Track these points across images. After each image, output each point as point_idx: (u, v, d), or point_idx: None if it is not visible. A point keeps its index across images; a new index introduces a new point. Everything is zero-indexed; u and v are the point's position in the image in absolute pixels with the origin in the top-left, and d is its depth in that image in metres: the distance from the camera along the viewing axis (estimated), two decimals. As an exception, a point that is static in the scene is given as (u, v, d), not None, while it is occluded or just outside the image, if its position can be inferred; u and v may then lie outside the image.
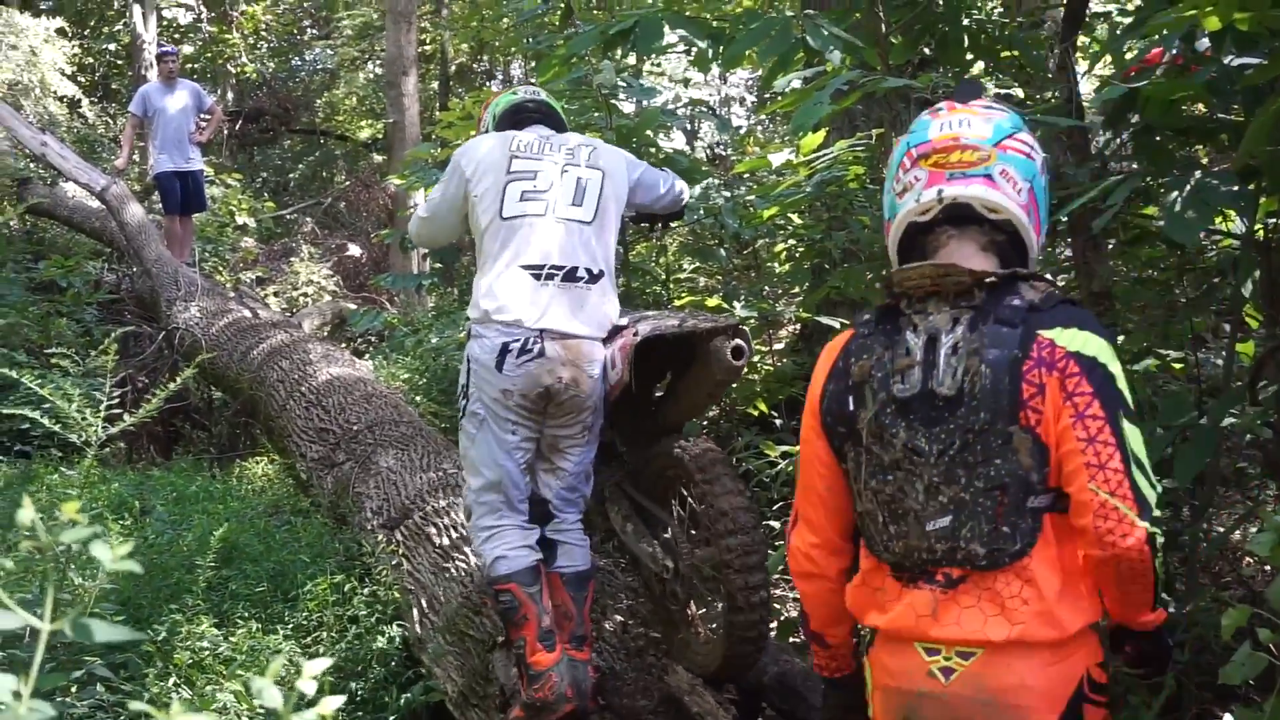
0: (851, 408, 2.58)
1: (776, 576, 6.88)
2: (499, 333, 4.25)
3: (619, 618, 5.20)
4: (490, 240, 4.41)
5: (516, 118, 4.74)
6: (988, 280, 2.50)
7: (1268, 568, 4.63)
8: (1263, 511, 2.44)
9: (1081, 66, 6.00)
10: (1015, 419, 2.41)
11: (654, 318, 4.40)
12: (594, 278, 4.40)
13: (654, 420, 4.70)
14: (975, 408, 2.43)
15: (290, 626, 5.22)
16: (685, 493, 4.52)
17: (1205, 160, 4.66)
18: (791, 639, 5.50)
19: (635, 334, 4.26)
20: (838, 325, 6.12)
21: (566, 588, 4.47)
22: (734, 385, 5.31)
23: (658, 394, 4.79)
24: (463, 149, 4.65)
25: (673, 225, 5.58)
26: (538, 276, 4.30)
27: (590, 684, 4.35)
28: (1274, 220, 3.98)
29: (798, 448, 5.31)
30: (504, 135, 4.60)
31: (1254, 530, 3.99)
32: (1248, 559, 4.85)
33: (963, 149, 2.55)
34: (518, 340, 4.23)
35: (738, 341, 4.17)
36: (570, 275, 4.34)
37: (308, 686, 1.69)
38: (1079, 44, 4.96)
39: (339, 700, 1.67)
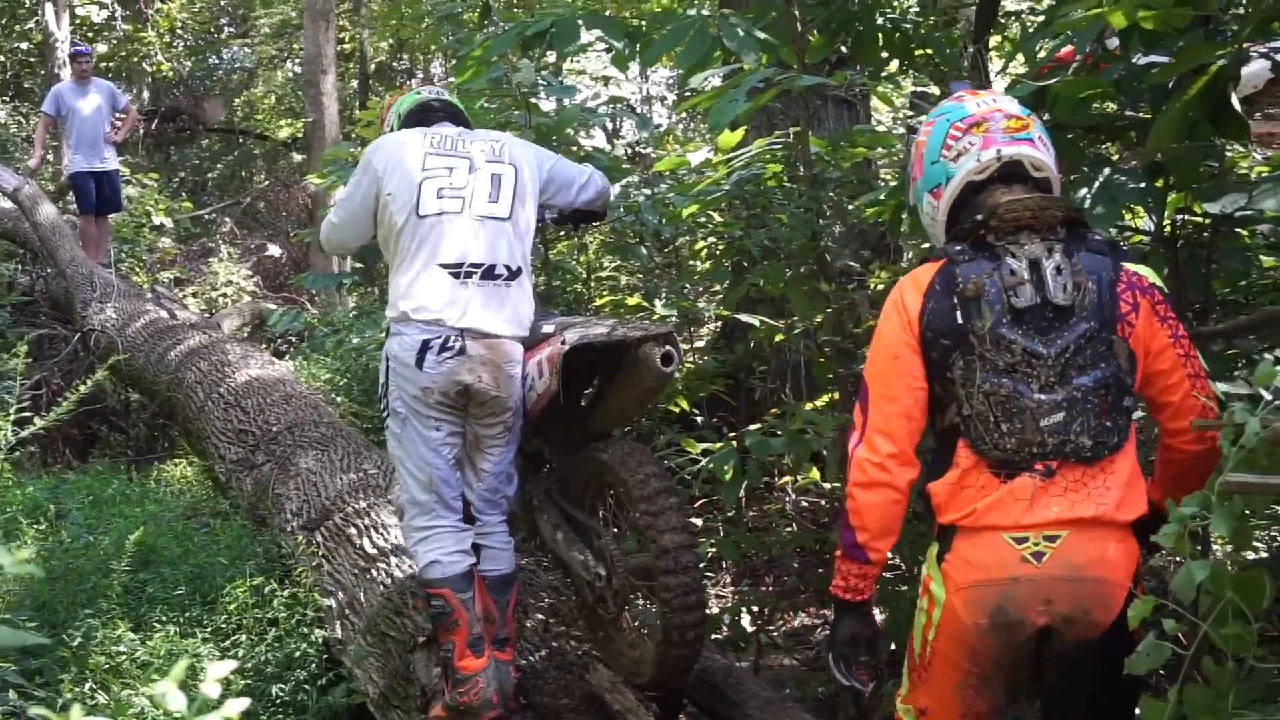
0: (960, 320, 2.87)
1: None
2: (419, 330, 4.22)
3: (540, 616, 5.19)
4: (406, 239, 4.35)
5: (422, 116, 4.69)
6: (1072, 217, 2.92)
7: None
8: (1168, 503, 2.49)
9: (996, 65, 6.09)
10: (1114, 329, 2.83)
11: (581, 325, 4.38)
12: (512, 275, 4.38)
13: (582, 427, 4.68)
14: (1085, 316, 2.82)
15: (209, 630, 5.18)
16: (616, 502, 4.53)
17: (1116, 157, 4.73)
18: (713, 636, 5.53)
19: (563, 343, 4.23)
20: (757, 323, 6.15)
21: (489, 591, 4.46)
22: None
23: (585, 401, 4.77)
24: (374, 146, 4.58)
25: (594, 224, 5.58)
26: (457, 275, 4.26)
27: (512, 685, 4.37)
28: (1181, 216, 4.05)
29: (719, 445, 5.36)
30: (416, 132, 4.55)
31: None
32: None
33: (1008, 116, 2.98)
34: (438, 338, 4.20)
35: (668, 348, 4.17)
36: (489, 273, 4.32)
37: (212, 689, 1.68)
38: (992, 43, 5.03)
39: (244, 703, 1.67)
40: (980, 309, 2.85)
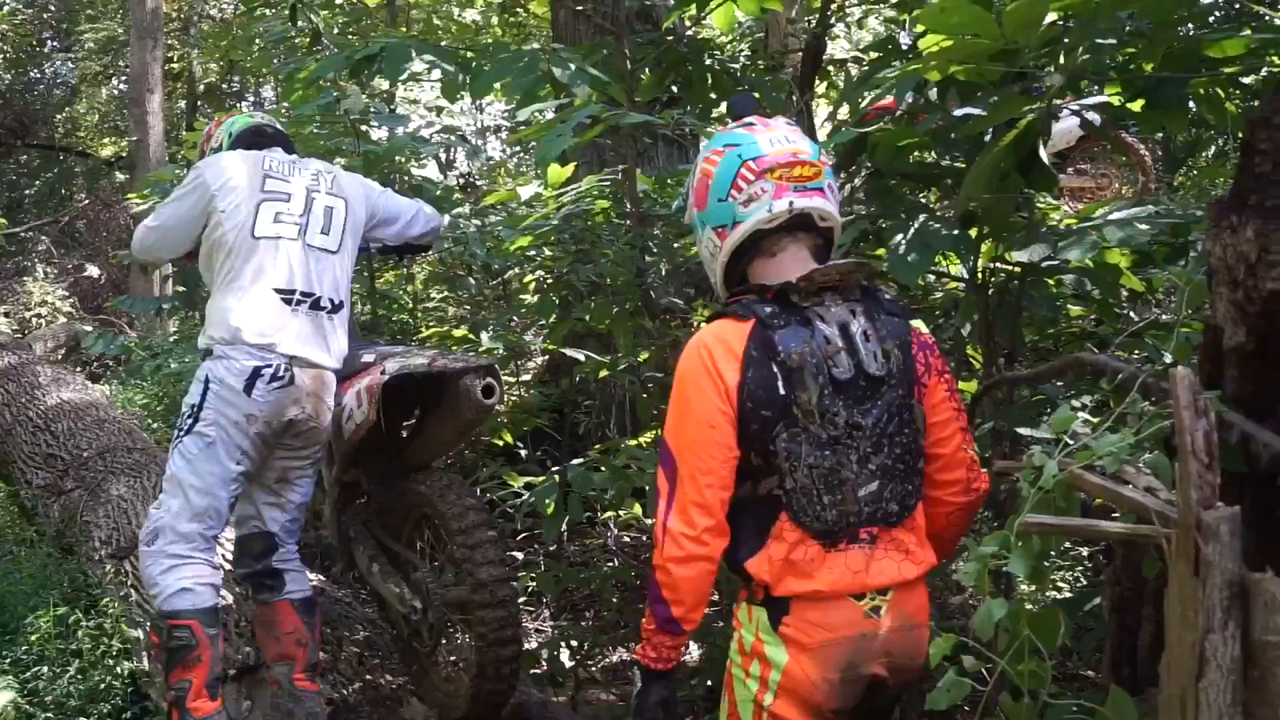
0: (783, 392, 2.79)
1: (519, 607, 6.91)
2: (250, 355, 4.14)
3: (355, 649, 5.13)
4: (236, 258, 4.26)
5: (255, 139, 4.63)
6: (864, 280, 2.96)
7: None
8: (969, 543, 2.57)
9: (821, 111, 6.23)
10: (913, 393, 2.89)
11: (401, 355, 4.35)
12: (335, 308, 4.37)
13: (401, 458, 4.64)
14: (894, 385, 2.85)
15: (8, 661, 5.02)
16: (434, 534, 4.50)
17: (935, 205, 4.87)
18: (532, 670, 5.51)
19: (383, 372, 4.21)
20: (582, 358, 6.17)
21: (298, 612, 4.42)
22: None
23: (405, 432, 4.74)
24: (207, 163, 4.48)
25: (421, 255, 5.56)
26: (288, 301, 4.23)
27: (324, 715, 4.29)
28: (993, 264, 4.18)
29: (541, 479, 5.35)
30: (253, 154, 4.47)
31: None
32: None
33: (802, 165, 2.91)
34: (270, 366, 4.15)
35: (488, 380, 4.18)
36: (316, 303, 4.30)
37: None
38: (819, 89, 5.14)
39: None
40: (804, 380, 2.79)
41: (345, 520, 4.76)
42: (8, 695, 1.56)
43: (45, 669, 4.99)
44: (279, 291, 4.23)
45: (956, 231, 3.69)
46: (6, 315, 13.19)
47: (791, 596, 2.82)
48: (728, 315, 2.90)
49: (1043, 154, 3.61)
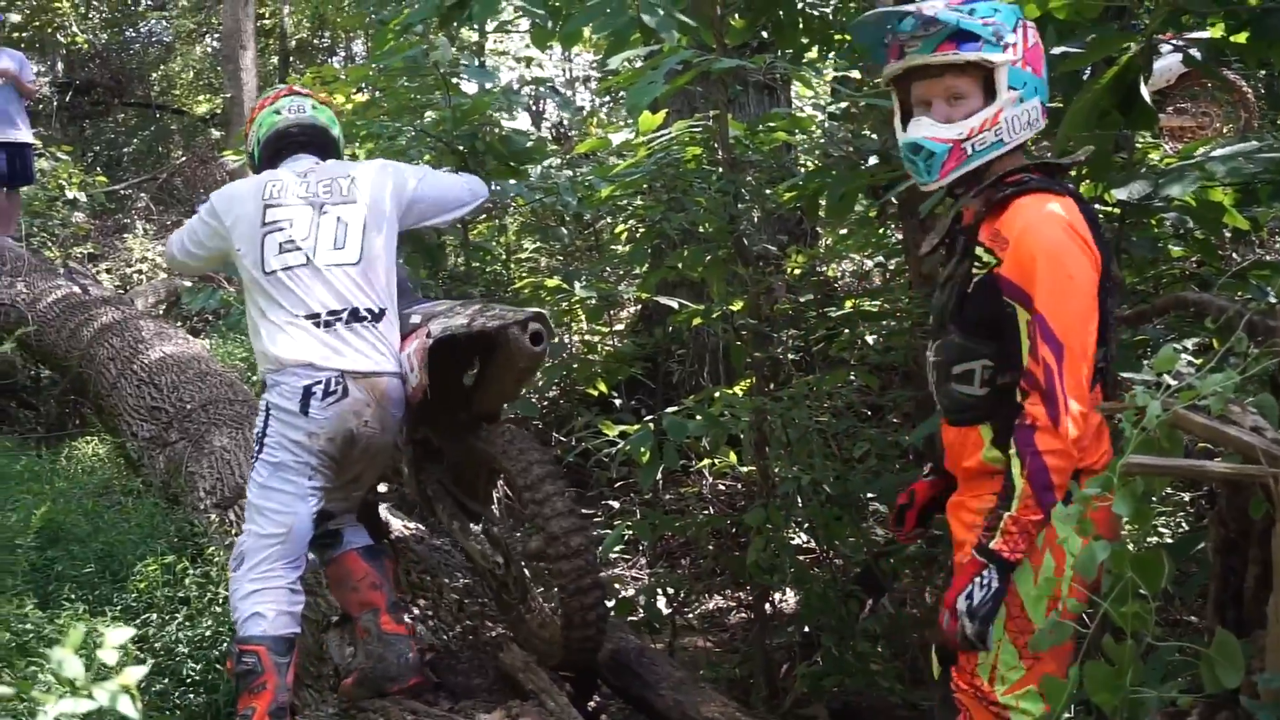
0: (1106, 263, 2.86)
1: (615, 555, 6.95)
2: (299, 376, 4.14)
3: (455, 596, 5.19)
4: (260, 295, 4.29)
5: (279, 148, 4.57)
6: None
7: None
8: (1071, 484, 2.54)
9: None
10: None
11: (444, 314, 4.34)
12: (377, 316, 4.31)
13: (468, 410, 4.67)
14: None
15: (119, 608, 5.14)
16: (508, 487, 4.54)
17: (1031, 144, 4.80)
18: (628, 617, 5.55)
19: (428, 335, 4.22)
20: (676, 306, 6.17)
21: (364, 559, 4.47)
22: (542, 368, 5.26)
23: (470, 381, 4.76)
24: (220, 194, 4.51)
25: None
26: (320, 324, 4.20)
27: (415, 659, 4.31)
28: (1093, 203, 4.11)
29: (636, 427, 5.37)
30: (258, 182, 4.43)
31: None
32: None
33: None
34: (319, 382, 4.13)
35: (535, 327, 4.16)
36: (354, 316, 4.25)
37: (109, 656, 1.67)
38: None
39: (141, 670, 1.65)
40: (1110, 254, 2.90)
41: (423, 479, 4.79)
42: (128, 631, 1.58)
43: (154, 615, 5.11)
44: (309, 318, 4.20)
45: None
46: (109, 271, 13.39)
47: (1084, 469, 2.83)
48: (1044, 190, 2.88)
49: (1143, 92, 3.53)
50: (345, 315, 4.23)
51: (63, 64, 20.30)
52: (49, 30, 19.50)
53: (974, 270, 2.93)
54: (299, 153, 4.55)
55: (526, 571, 4.55)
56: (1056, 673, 2.67)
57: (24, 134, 11.47)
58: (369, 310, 4.29)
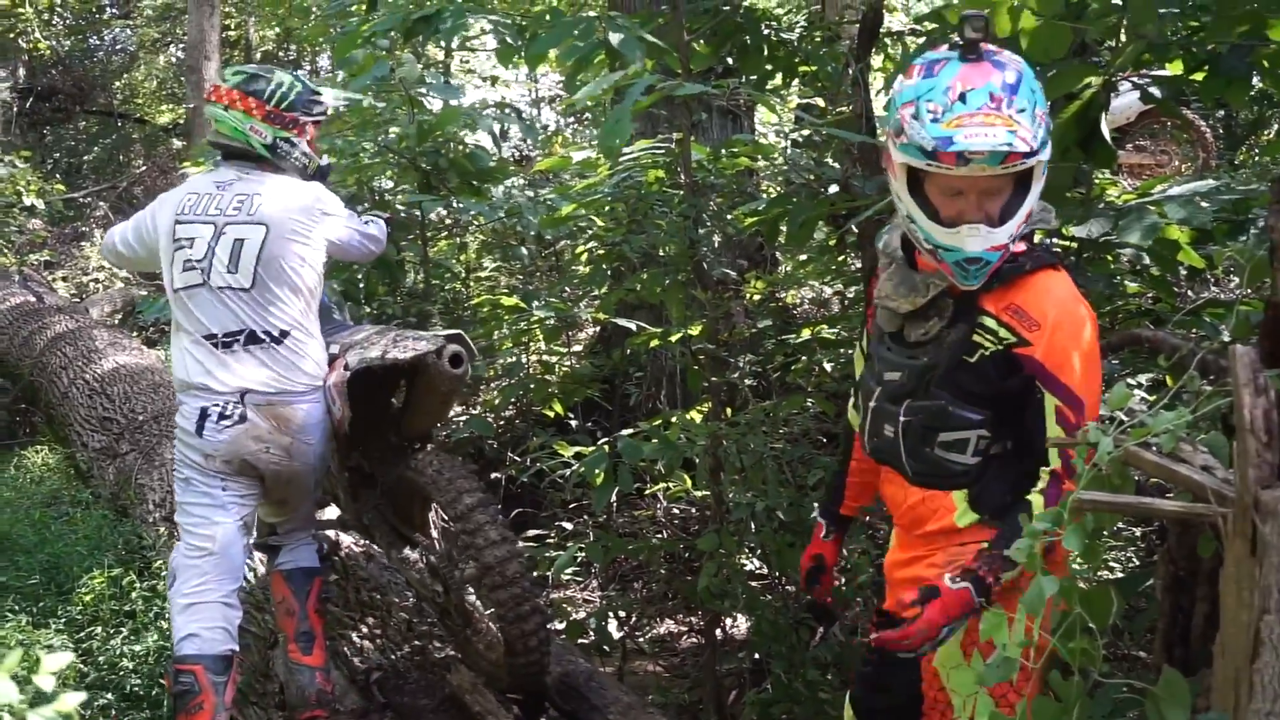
0: None
1: (567, 577, 6.93)
2: (196, 398, 4.08)
3: (404, 615, 5.16)
4: (173, 308, 4.24)
5: (223, 152, 4.41)
6: None
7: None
8: (1021, 518, 2.54)
9: (877, 83, 6.17)
10: None
11: (361, 344, 4.26)
12: (278, 338, 4.16)
13: (398, 434, 4.64)
14: None
15: (63, 621, 5.09)
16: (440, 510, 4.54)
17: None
18: (579, 640, 5.53)
19: (346, 367, 4.18)
20: (634, 328, 6.16)
21: (286, 582, 4.40)
22: (500, 388, 5.23)
23: (399, 402, 4.73)
24: (161, 198, 4.41)
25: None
26: (217, 345, 4.10)
27: (317, 691, 4.26)
28: (1050, 240, 4.13)
29: (591, 449, 5.35)
30: (181, 192, 4.32)
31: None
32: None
33: None
34: (215, 405, 4.05)
35: (453, 349, 4.13)
36: (251, 338, 4.12)
37: (45, 682, 1.63)
38: (875, 62, 5.09)
39: (79, 697, 1.63)
40: None
41: (359, 506, 4.75)
42: (67, 656, 1.55)
43: (99, 629, 5.06)
44: (208, 339, 4.11)
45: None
46: (65, 280, 13.30)
47: None
48: (1055, 265, 2.89)
49: (1104, 128, 3.56)
50: (243, 338, 4.10)
51: (24, 70, 20.16)
52: (11, 35, 19.36)
53: (977, 340, 2.86)
54: (235, 159, 4.36)
55: (469, 597, 4.53)
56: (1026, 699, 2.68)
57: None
58: (267, 333, 4.13)
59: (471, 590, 4.50)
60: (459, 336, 4.19)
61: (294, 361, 4.17)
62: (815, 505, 5.03)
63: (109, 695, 4.71)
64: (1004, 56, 2.74)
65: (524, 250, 8.10)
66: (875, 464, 3.26)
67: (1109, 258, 4.29)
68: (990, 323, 2.83)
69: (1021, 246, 2.85)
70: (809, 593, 3.61)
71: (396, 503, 4.70)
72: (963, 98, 2.65)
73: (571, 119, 14.47)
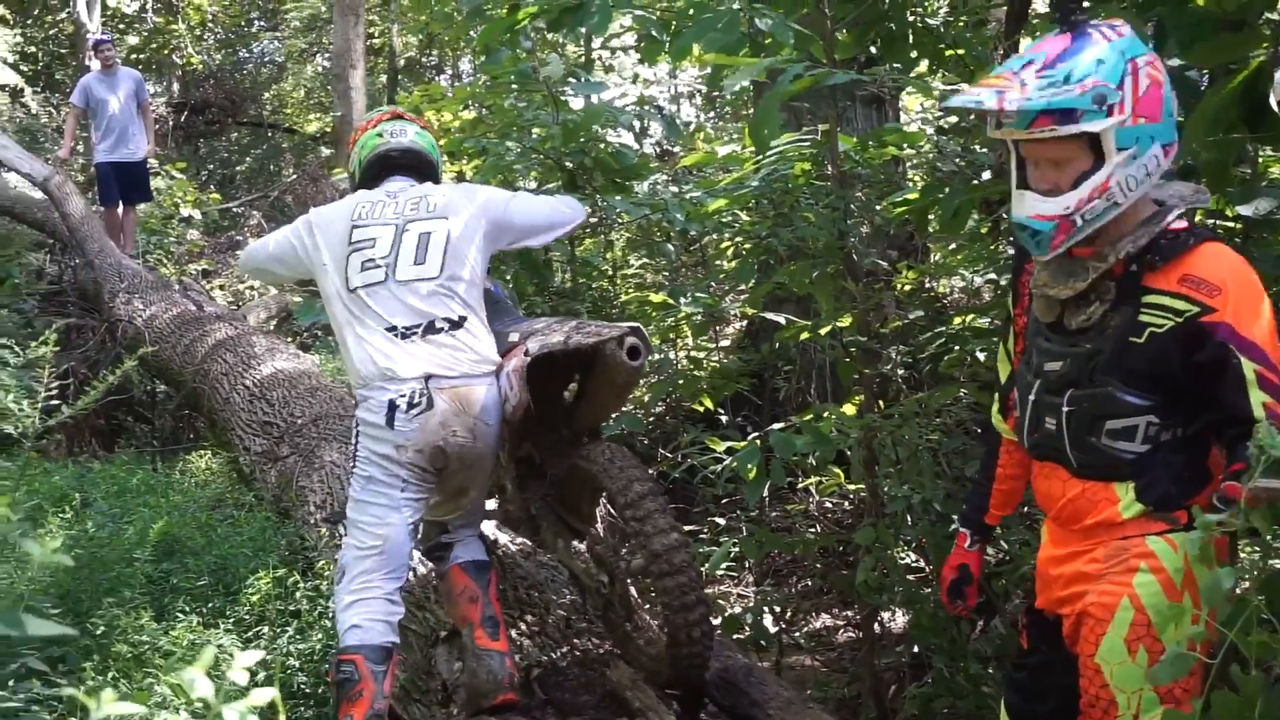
0: None
1: (722, 572, 6.92)
2: (383, 390, 4.11)
3: (562, 613, 5.18)
4: (342, 312, 4.28)
5: (379, 170, 4.59)
6: None
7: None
8: (1195, 510, 2.47)
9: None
10: None
11: (542, 331, 4.32)
12: (456, 324, 4.27)
13: (569, 426, 4.66)
14: None
15: (231, 621, 5.20)
16: (607, 501, 4.53)
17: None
18: (735, 635, 5.51)
19: (526, 353, 4.21)
20: (783, 322, 6.13)
21: (467, 572, 4.42)
22: (650, 384, 5.24)
23: (570, 395, 4.75)
24: (318, 213, 4.51)
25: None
26: (398, 335, 4.18)
27: (509, 675, 4.28)
28: (1213, 220, 4.02)
29: (743, 443, 5.34)
30: (350, 202, 4.46)
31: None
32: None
33: None
34: (403, 395, 4.09)
35: (632, 341, 4.14)
36: (430, 328, 4.21)
37: (239, 677, 1.68)
38: (1023, 44, 4.99)
39: (270, 692, 1.66)
40: None
41: (527, 497, 4.78)
42: (257, 654, 1.60)
43: (265, 629, 5.17)
44: (389, 330, 4.19)
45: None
46: (222, 288, 13.64)
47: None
48: (1219, 239, 2.85)
49: (1272, 102, 3.43)
50: (421, 329, 4.20)
51: (178, 85, 20.74)
52: (165, 52, 19.93)
53: (1146, 320, 2.78)
54: (397, 175, 4.58)
55: (632, 590, 4.53)
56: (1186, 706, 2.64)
57: (138, 153, 11.72)
58: (446, 320, 4.25)
59: (634, 585, 4.51)
60: (637, 329, 4.20)
61: (471, 345, 4.25)
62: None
63: (277, 693, 4.81)
64: (1099, 30, 2.74)
65: (669, 246, 8.10)
66: (1022, 470, 3.23)
67: (1276, 237, 4.16)
68: (1163, 299, 2.75)
69: (1183, 224, 2.80)
70: (951, 607, 3.55)
71: (565, 494, 4.72)
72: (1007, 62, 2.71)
73: (712, 114, 14.44)
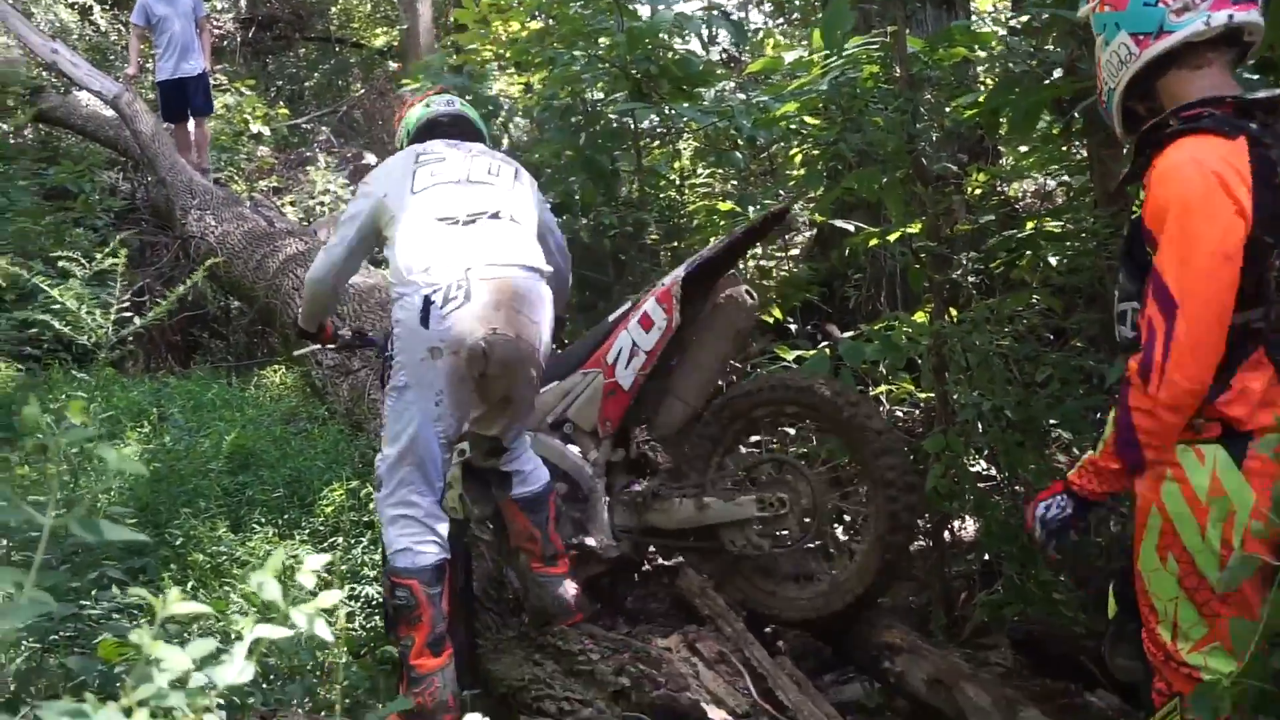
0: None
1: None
2: (418, 288, 3.93)
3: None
4: (400, 215, 4.15)
5: (428, 134, 4.54)
6: None
7: None
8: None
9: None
10: None
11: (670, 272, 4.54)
12: (519, 221, 4.20)
13: (683, 397, 4.76)
14: None
15: (306, 532, 5.28)
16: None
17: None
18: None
19: (674, 278, 4.40)
20: (852, 229, 6.07)
21: (524, 513, 4.34)
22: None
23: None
24: (372, 173, 4.45)
25: None
26: (454, 222, 4.06)
27: (574, 596, 4.28)
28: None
29: (812, 352, 5.31)
30: (409, 149, 4.42)
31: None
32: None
33: None
34: (439, 289, 3.90)
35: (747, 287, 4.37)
36: (495, 215, 4.13)
37: (307, 580, 1.70)
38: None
39: (337, 595, 1.68)
40: None
41: (686, 468, 4.76)
42: (325, 557, 1.62)
43: (340, 539, 5.23)
44: (443, 219, 4.06)
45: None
46: (292, 204, 13.69)
47: (1256, 430, 2.69)
48: (1205, 131, 2.71)
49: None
50: (487, 215, 4.11)
51: (245, 1, 20.70)
52: (231, -33, 19.89)
53: (1138, 203, 2.81)
54: (447, 136, 4.52)
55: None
56: (1235, 609, 2.64)
57: (197, 67, 11.75)
58: (512, 216, 4.17)
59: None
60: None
61: (525, 242, 4.17)
62: (1053, 402, 4.95)
63: (353, 604, 4.88)
64: None
65: (737, 154, 8.02)
66: None
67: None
68: (1141, 191, 2.83)
69: (1195, 110, 2.78)
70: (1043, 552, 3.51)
71: (725, 439, 4.74)
72: None
73: (780, 20, 14.24)
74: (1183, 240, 2.64)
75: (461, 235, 4.02)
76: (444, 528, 4.10)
